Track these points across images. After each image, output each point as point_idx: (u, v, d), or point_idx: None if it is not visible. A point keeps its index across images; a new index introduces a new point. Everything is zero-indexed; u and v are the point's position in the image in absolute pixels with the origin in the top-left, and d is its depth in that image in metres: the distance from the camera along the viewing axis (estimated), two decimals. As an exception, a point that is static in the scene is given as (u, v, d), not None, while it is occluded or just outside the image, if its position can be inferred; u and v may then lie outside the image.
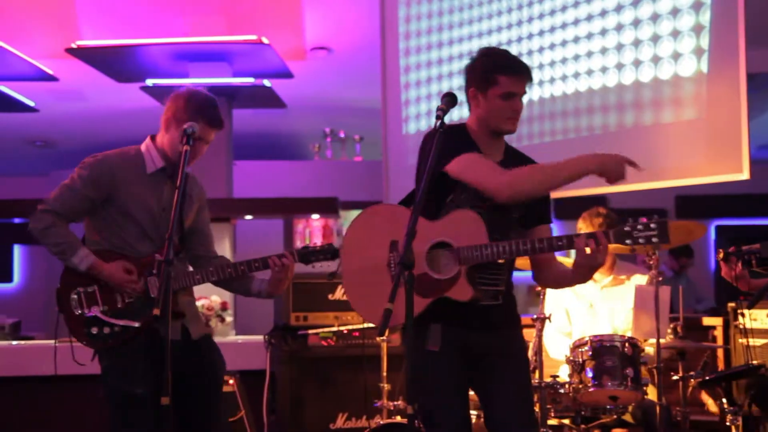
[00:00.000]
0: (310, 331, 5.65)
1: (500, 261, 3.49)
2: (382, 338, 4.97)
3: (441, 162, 3.40)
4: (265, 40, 7.80)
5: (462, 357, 3.52)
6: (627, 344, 4.61)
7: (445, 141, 3.35)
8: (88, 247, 3.85)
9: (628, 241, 3.30)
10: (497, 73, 3.53)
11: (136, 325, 3.81)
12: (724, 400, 5.02)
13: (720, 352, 5.99)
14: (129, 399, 3.74)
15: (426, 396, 3.46)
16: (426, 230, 3.38)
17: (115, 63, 8.42)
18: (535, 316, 4.67)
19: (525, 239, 3.45)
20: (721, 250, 4.53)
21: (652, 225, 3.28)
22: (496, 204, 3.48)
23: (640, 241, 3.29)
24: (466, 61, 3.68)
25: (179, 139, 3.75)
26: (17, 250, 14.09)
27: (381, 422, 4.59)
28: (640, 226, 3.29)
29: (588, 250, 3.31)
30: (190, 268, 4.15)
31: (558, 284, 3.93)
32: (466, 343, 3.51)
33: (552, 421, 4.68)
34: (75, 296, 3.86)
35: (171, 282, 3.48)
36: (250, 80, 8.37)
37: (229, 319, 6.44)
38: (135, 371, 3.76)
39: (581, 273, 3.47)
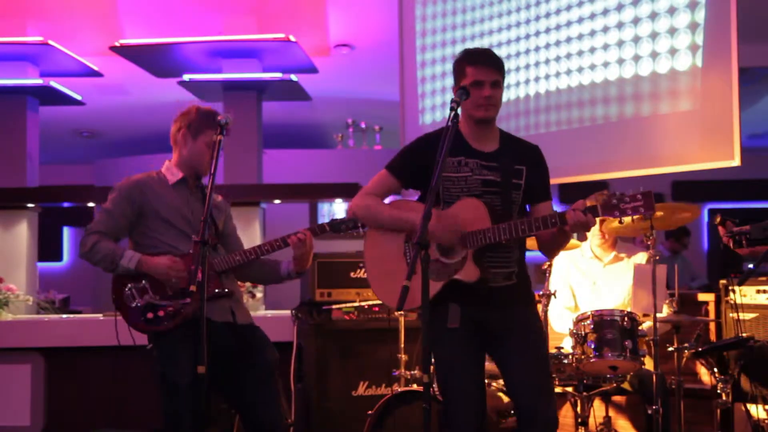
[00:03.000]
0: (334, 306, 5.66)
1: (508, 243, 3.48)
2: (399, 313, 4.98)
3: None
4: (292, 38, 7.79)
5: (479, 334, 3.54)
6: (626, 318, 4.61)
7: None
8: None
9: (616, 213, 3.28)
10: (465, 64, 3.59)
11: (188, 300, 3.88)
12: (716, 370, 5.02)
13: (712, 326, 5.97)
14: (174, 387, 3.83)
15: (444, 369, 3.54)
16: (437, 218, 3.41)
17: (154, 60, 8.43)
18: (541, 293, 4.67)
19: (523, 220, 3.45)
20: (718, 215, 4.52)
21: (638, 196, 3.25)
22: (498, 190, 3.52)
23: (628, 212, 3.26)
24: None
25: (197, 144, 4.01)
26: (66, 232, 14.16)
27: (399, 390, 4.59)
28: (627, 198, 3.26)
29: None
30: None
31: (555, 253, 3.93)
32: (483, 321, 3.53)
33: (557, 389, 4.69)
34: (128, 291, 3.98)
35: (209, 261, 3.60)
36: (278, 75, 8.35)
37: (259, 295, 6.47)
38: (181, 362, 3.84)
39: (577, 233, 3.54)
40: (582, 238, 4.51)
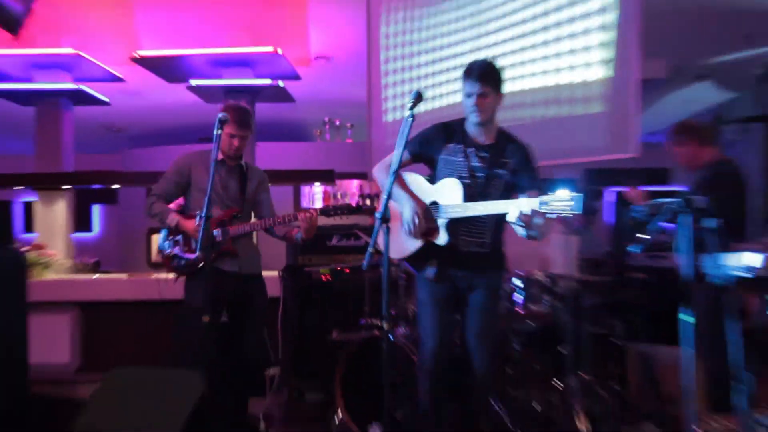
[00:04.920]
0: (313, 269, 5.70)
1: (481, 217, 3.49)
2: (365, 273, 5.02)
3: None
4: (279, 51, 7.79)
5: (452, 288, 3.58)
6: (545, 277, 4.69)
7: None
8: (183, 213, 4.30)
9: (551, 215, 3.17)
10: (463, 77, 3.60)
11: (198, 255, 4.14)
12: (615, 318, 5.13)
13: (612, 282, 6.05)
14: (192, 310, 4.02)
15: (420, 311, 3.64)
16: (428, 191, 3.51)
17: (166, 68, 8.40)
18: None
19: (483, 203, 3.41)
20: (633, 186, 4.60)
21: (571, 197, 3.14)
22: (482, 175, 3.54)
23: (561, 214, 3.14)
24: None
25: (225, 138, 4.20)
26: (96, 209, 14.22)
27: (365, 336, 4.65)
28: (561, 202, 3.15)
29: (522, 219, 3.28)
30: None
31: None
32: (455, 278, 3.57)
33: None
34: (169, 240, 4.31)
35: (209, 227, 3.76)
36: (268, 81, 8.35)
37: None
38: (197, 291, 4.08)
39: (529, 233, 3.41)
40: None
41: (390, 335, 3.52)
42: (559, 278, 4.79)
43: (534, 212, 3.20)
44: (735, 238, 3.76)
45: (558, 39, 6.49)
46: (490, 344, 3.66)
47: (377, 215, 3.12)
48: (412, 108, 3.33)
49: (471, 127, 3.62)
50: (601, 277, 5.43)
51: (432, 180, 3.62)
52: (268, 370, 5.44)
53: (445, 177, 3.55)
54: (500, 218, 3.54)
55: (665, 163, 12.24)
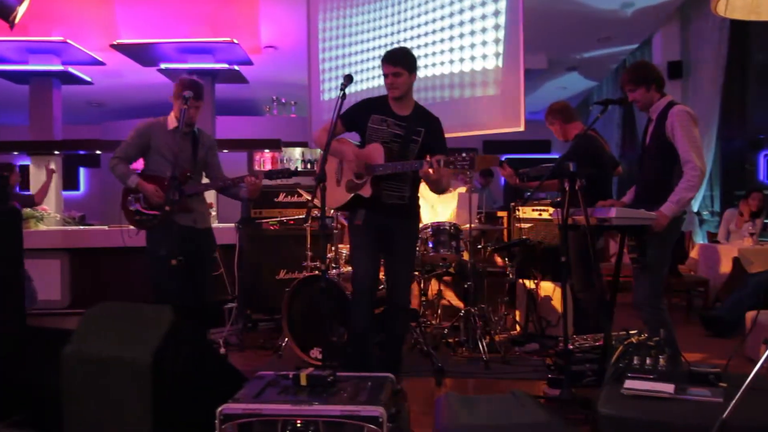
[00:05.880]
0: (263, 221, 5.62)
1: (399, 175, 3.47)
2: (306, 224, 4.96)
3: None
4: (235, 41, 7.64)
5: (377, 233, 3.52)
6: (452, 227, 4.72)
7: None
8: (141, 174, 4.01)
9: (451, 167, 3.24)
10: (382, 62, 3.56)
11: (158, 213, 3.92)
12: (507, 259, 5.21)
13: (505, 232, 6.17)
14: (157, 258, 3.76)
15: (352, 252, 3.57)
16: (357, 154, 3.45)
17: (141, 54, 8.13)
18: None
19: (401, 162, 3.40)
20: (501, 160, 4.64)
21: (467, 158, 3.23)
22: (400, 141, 3.49)
23: (458, 166, 3.22)
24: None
25: (180, 104, 3.89)
26: (82, 171, 13.76)
27: (306, 274, 4.61)
28: (459, 158, 3.22)
29: (431, 171, 3.27)
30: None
31: (434, 191, 3.69)
32: (380, 225, 3.51)
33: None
34: (129, 199, 4.03)
35: (180, 189, 3.61)
36: (226, 66, 8.19)
37: (213, 213, 6.34)
38: (159, 241, 3.81)
39: (431, 185, 3.48)
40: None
41: (326, 274, 3.46)
42: (462, 228, 4.80)
43: (440, 168, 3.22)
44: (599, 196, 3.82)
45: (462, 35, 6.48)
46: (407, 280, 3.64)
47: (316, 179, 3.06)
48: (343, 88, 3.29)
49: (391, 102, 3.58)
50: (496, 227, 5.49)
51: (361, 145, 3.58)
52: (226, 304, 5.36)
53: (371, 142, 3.51)
54: (415, 176, 3.54)
55: (548, 136, 12.49)
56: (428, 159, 3.27)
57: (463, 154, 3.23)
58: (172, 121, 4.05)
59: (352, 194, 3.50)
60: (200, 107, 4.01)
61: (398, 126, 3.53)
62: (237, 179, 3.97)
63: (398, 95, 3.54)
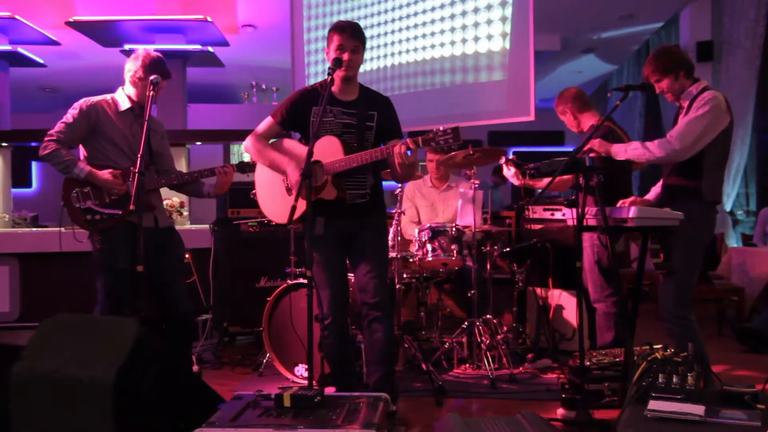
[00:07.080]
0: (241, 221, 5.60)
1: (360, 169, 3.37)
2: (289, 226, 4.95)
3: None
4: (209, 19, 7.63)
5: (342, 240, 3.47)
6: (454, 229, 4.72)
7: None
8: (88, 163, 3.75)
9: (432, 144, 3.11)
10: (332, 32, 3.44)
11: (119, 212, 3.73)
12: (515, 264, 5.21)
13: (513, 233, 6.17)
14: (112, 270, 3.65)
15: (316, 265, 3.38)
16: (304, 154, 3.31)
17: (101, 33, 8.13)
18: (394, 211, 4.69)
19: (363, 152, 3.29)
20: (503, 156, 4.61)
21: (449, 130, 3.06)
22: (353, 130, 3.41)
23: (441, 143, 3.09)
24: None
25: (146, 88, 3.66)
26: (34, 165, 13.74)
27: (290, 282, 4.60)
28: (440, 133, 3.08)
29: (408, 154, 3.20)
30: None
31: (403, 179, 3.72)
32: (344, 228, 3.46)
33: (405, 281, 4.78)
34: (74, 194, 3.75)
35: (143, 185, 3.40)
36: (199, 47, 8.20)
37: (185, 213, 6.34)
38: (118, 251, 3.67)
39: (405, 170, 3.32)
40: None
41: (312, 281, 3.41)
42: (465, 229, 4.80)
43: (417, 149, 3.16)
44: (619, 193, 3.83)
45: (464, 13, 6.49)
46: (382, 277, 3.50)
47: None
48: (331, 73, 3.27)
49: (334, 89, 3.47)
50: (502, 228, 5.49)
51: (306, 144, 3.45)
52: (199, 316, 5.34)
53: (318, 138, 3.39)
54: (377, 168, 3.49)
55: (561, 127, 12.53)
56: (405, 141, 3.17)
57: (441, 128, 3.09)
58: (123, 100, 3.83)
59: (311, 200, 3.40)
60: (163, 88, 3.77)
61: (346, 114, 3.44)
62: (201, 172, 3.82)
63: (353, 74, 3.46)
